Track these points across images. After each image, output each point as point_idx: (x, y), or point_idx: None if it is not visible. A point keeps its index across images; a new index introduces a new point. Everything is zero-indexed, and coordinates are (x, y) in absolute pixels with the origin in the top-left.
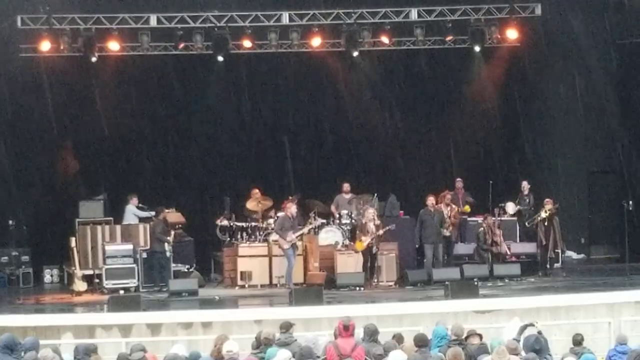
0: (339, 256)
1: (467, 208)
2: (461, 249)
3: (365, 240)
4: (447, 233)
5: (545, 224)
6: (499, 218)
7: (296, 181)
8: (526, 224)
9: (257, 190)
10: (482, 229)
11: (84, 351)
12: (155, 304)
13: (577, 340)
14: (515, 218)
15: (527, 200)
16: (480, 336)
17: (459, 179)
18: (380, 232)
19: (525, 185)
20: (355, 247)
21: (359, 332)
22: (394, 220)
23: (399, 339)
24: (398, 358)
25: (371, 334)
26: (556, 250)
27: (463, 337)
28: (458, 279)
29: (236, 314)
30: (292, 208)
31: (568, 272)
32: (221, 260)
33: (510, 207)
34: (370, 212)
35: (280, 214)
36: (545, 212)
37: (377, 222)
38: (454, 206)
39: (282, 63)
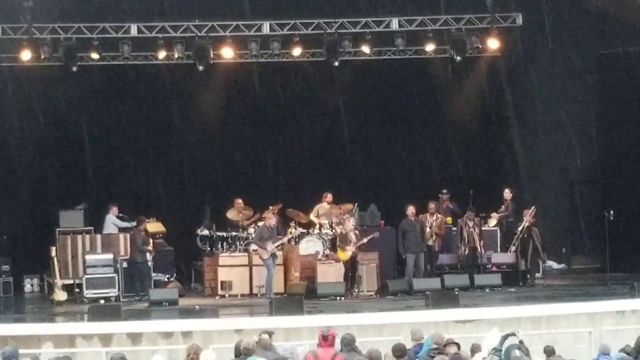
0: (319, 266)
1: (449, 220)
2: (443, 259)
3: (350, 250)
4: (430, 242)
5: (525, 235)
6: (479, 221)
7: (277, 191)
8: (512, 246)
9: (239, 200)
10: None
11: None
12: (136, 313)
13: (550, 351)
14: (496, 228)
15: (503, 207)
16: (458, 345)
17: (444, 191)
18: (365, 240)
19: (507, 192)
20: (338, 257)
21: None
22: (374, 230)
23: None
24: None
25: (348, 344)
26: (537, 260)
27: (443, 345)
28: (439, 289)
29: (216, 324)
30: (272, 219)
31: (549, 282)
32: (201, 269)
33: (493, 221)
34: (351, 222)
35: (260, 223)
36: (523, 229)
37: (357, 232)
38: (439, 216)
39: (263, 73)
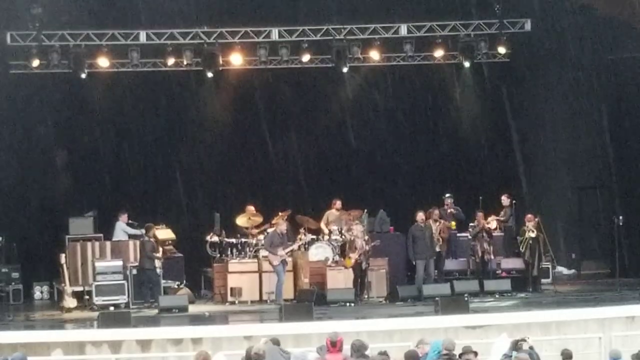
0: (329, 272)
1: (453, 225)
2: (452, 264)
3: (354, 257)
4: (437, 248)
5: (532, 242)
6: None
7: (286, 197)
8: (518, 250)
9: (251, 207)
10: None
11: None
12: (145, 320)
13: (567, 354)
14: (502, 234)
15: (504, 212)
16: (476, 353)
17: (447, 195)
18: (366, 247)
19: (505, 199)
20: (344, 264)
21: (349, 348)
22: (384, 236)
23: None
24: None
25: (358, 350)
26: (543, 265)
27: (454, 351)
28: (448, 295)
29: (226, 330)
30: (282, 225)
31: (559, 288)
32: (211, 276)
33: (493, 223)
34: (358, 229)
35: (269, 229)
36: (532, 231)
37: (366, 237)
38: (442, 221)
39: (272, 79)
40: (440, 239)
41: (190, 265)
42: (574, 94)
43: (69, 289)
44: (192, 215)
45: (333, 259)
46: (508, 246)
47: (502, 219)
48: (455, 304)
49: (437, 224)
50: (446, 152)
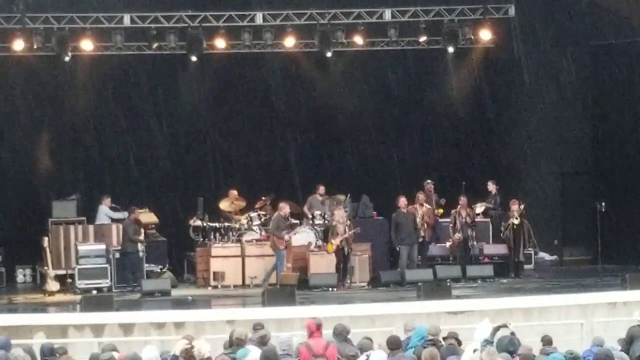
0: (311, 257)
1: (441, 210)
2: (435, 250)
3: (335, 242)
4: (422, 233)
5: (515, 227)
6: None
7: (270, 182)
8: (501, 234)
9: (235, 191)
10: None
11: (50, 352)
12: (128, 304)
13: (547, 340)
14: (488, 220)
15: (493, 200)
16: (459, 341)
17: (428, 181)
18: (346, 235)
19: (491, 185)
20: (326, 249)
21: (327, 333)
22: (367, 221)
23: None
24: (380, 358)
25: (340, 334)
26: (526, 251)
27: (438, 337)
28: (431, 280)
29: (209, 314)
30: (286, 208)
31: (541, 274)
32: (194, 260)
33: (478, 207)
34: (340, 214)
35: (252, 214)
36: (516, 217)
37: (348, 223)
38: (427, 206)
39: (256, 63)
40: (425, 224)
41: (173, 249)
42: (557, 80)
43: (51, 272)
44: (176, 199)
45: (316, 243)
46: (496, 232)
47: (490, 205)
48: (437, 289)
49: (423, 208)
50: (429, 138)
